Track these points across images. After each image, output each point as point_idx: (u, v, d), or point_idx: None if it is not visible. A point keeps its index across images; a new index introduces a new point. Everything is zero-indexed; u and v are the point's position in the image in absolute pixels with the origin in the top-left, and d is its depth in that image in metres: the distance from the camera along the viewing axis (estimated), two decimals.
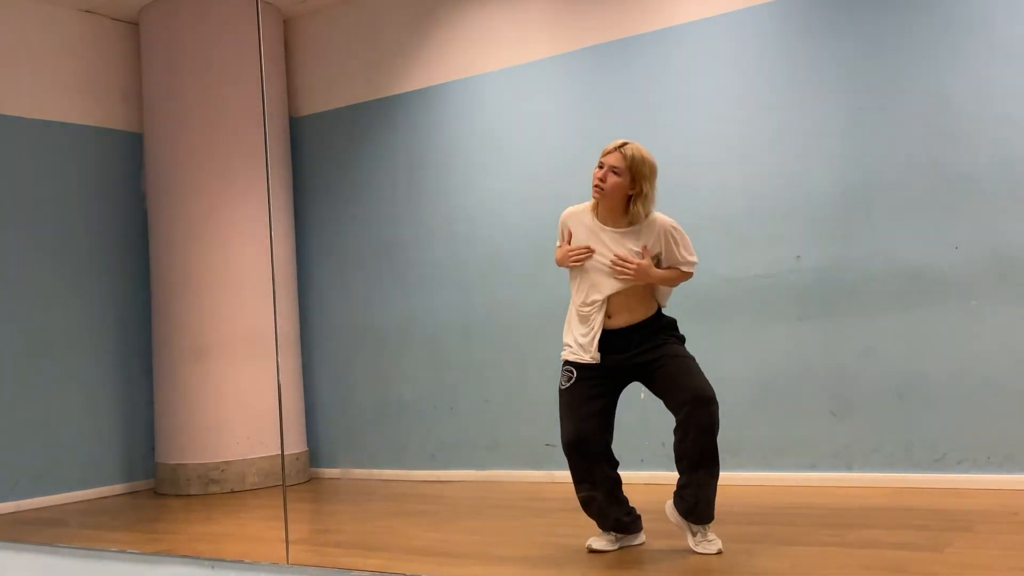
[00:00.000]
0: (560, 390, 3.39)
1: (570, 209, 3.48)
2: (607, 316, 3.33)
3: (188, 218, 5.82)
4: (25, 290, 5.56)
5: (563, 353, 3.41)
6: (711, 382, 3.26)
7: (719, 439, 3.22)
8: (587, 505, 3.38)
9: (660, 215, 3.39)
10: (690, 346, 3.40)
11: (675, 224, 3.39)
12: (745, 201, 4.73)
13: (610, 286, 3.33)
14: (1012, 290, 4.18)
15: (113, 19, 6.06)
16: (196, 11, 5.88)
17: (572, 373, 3.36)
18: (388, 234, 5.83)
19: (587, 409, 3.32)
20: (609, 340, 3.33)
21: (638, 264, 3.29)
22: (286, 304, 5.98)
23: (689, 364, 3.30)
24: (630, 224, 3.35)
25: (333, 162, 6.08)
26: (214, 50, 5.86)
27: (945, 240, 4.30)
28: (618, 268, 3.29)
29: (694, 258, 3.42)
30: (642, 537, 3.43)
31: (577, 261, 3.37)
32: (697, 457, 3.21)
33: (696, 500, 3.23)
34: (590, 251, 3.35)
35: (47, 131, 5.74)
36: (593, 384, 3.34)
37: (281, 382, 5.69)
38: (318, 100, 6.15)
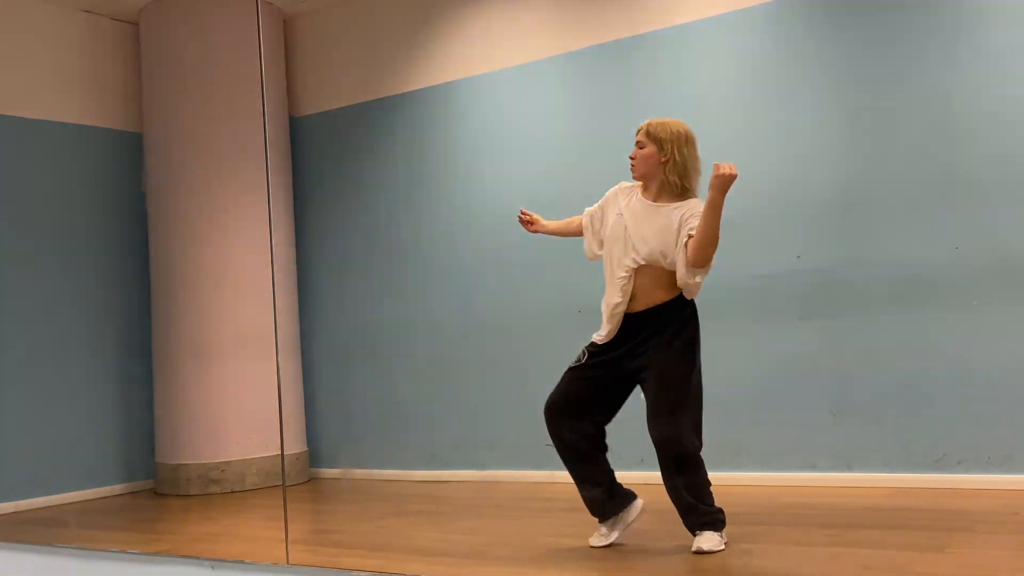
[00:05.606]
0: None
1: (619, 186, 3.45)
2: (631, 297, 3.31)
3: (188, 218, 5.81)
4: (24, 290, 5.55)
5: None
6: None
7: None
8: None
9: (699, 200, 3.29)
10: None
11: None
12: (745, 201, 4.68)
13: (629, 259, 3.29)
14: (1012, 290, 4.17)
15: (113, 19, 6.06)
16: (196, 11, 5.88)
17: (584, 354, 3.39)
18: (388, 234, 5.82)
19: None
20: (625, 325, 3.31)
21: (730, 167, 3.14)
22: (286, 304, 5.98)
23: (666, 395, 3.24)
24: (670, 198, 3.31)
25: (333, 162, 6.07)
26: (214, 50, 5.85)
27: (945, 240, 4.30)
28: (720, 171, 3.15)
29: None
30: (637, 508, 3.40)
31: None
32: (676, 489, 3.25)
33: (683, 502, 3.26)
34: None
35: (47, 131, 5.74)
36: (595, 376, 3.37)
37: (281, 382, 5.68)
38: (318, 100, 6.14)
